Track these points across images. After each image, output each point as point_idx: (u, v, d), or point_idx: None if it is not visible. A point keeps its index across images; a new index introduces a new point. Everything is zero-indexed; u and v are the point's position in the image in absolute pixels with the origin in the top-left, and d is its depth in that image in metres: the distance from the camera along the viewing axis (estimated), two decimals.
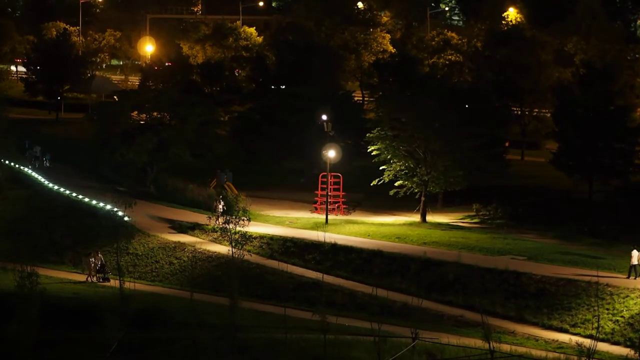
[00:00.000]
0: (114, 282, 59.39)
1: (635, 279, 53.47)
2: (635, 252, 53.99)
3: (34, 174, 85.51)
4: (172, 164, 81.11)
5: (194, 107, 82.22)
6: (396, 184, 70.34)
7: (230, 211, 52.27)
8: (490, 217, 70.42)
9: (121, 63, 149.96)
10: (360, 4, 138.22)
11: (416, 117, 70.11)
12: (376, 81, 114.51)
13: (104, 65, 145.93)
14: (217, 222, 63.15)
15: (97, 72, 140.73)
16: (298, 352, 42.74)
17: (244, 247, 51.89)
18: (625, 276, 53.50)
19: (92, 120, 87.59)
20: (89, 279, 62.32)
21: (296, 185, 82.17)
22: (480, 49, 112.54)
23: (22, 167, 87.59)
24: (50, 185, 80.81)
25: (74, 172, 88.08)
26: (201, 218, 67.11)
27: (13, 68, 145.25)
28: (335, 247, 61.67)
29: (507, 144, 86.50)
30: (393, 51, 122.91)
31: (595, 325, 48.02)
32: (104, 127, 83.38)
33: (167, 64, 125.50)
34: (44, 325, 41.82)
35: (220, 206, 67.38)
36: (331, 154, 70.82)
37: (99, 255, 63.01)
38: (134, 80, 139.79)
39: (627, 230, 63.41)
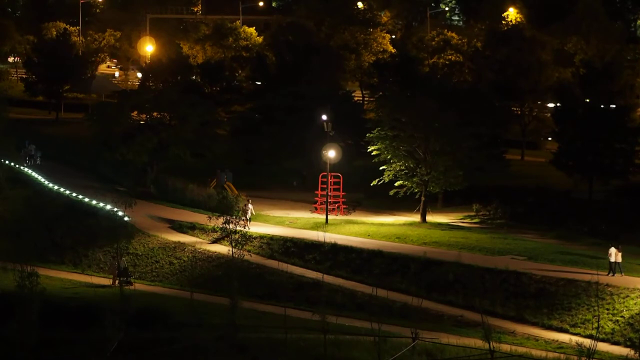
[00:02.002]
0: (136, 286, 59.15)
1: (613, 275, 53.75)
2: (612, 249, 54.36)
3: (33, 173, 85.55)
4: (172, 164, 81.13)
5: (194, 107, 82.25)
6: (396, 184, 70.33)
7: (231, 211, 52.18)
8: (490, 217, 70.41)
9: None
10: (360, 4, 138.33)
11: (416, 117, 70.09)
12: (376, 81, 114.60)
13: (104, 65, 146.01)
14: (247, 226, 63.71)
15: (102, 71, 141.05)
16: (298, 352, 42.71)
17: (244, 247, 51.89)
18: (605, 273, 53.69)
19: (92, 120, 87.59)
20: (116, 282, 60.84)
21: (308, 183, 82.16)
22: (480, 49, 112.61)
23: (17, 166, 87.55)
24: (50, 185, 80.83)
25: (73, 172, 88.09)
26: (201, 218, 67.08)
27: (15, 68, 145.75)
28: (335, 247, 61.66)
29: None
30: (393, 51, 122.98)
31: (595, 325, 48.03)
32: (104, 127, 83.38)
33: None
34: (44, 325, 41.79)
35: (250, 210, 66.99)
36: (331, 154, 70.81)
37: (122, 259, 62.70)
38: (134, 80, 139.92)
39: (627, 230, 63.42)
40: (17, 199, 78.78)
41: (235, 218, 49.77)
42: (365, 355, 41.74)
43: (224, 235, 64.07)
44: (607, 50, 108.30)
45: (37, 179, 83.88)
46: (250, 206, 67.21)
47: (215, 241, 65.46)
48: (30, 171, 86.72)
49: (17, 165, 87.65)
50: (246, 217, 64.75)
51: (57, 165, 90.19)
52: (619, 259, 54.23)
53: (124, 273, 61.35)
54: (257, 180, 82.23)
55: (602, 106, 75.06)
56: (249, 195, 71.54)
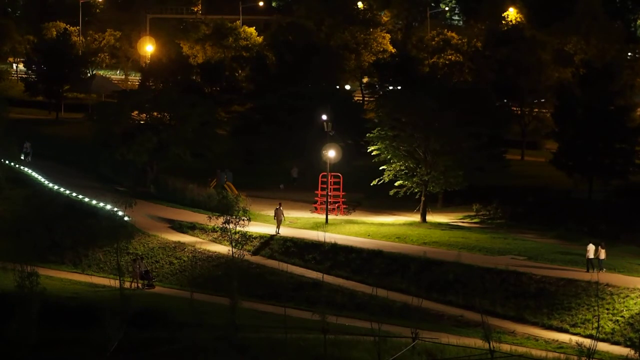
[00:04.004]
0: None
1: (592, 272, 54.04)
2: (591, 246, 54.68)
3: (33, 173, 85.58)
4: (172, 164, 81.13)
5: (194, 107, 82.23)
6: (396, 184, 70.32)
7: (231, 211, 52.11)
8: (490, 217, 70.42)
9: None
10: (360, 4, 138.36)
11: (416, 117, 70.10)
12: (376, 81, 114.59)
13: (104, 65, 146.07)
14: (278, 231, 63.56)
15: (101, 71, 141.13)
16: (298, 352, 42.73)
17: (244, 247, 51.89)
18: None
19: (92, 120, 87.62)
20: (133, 284, 60.34)
21: (298, 185, 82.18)
22: (480, 49, 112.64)
23: (16, 165, 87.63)
24: (50, 185, 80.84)
25: (73, 172, 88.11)
26: (201, 218, 67.06)
27: (14, 66, 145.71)
28: (335, 247, 61.66)
29: None
30: (393, 51, 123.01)
31: (595, 325, 48.02)
32: (104, 127, 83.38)
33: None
34: (44, 325, 41.84)
35: (282, 215, 66.66)
36: (331, 154, 70.81)
37: (143, 261, 62.40)
38: (134, 80, 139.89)
39: (627, 230, 63.46)
40: (17, 199, 78.81)
41: (235, 218, 49.68)
42: (365, 355, 41.75)
43: (263, 245, 63.70)
44: (607, 50, 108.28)
45: (37, 179, 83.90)
46: (281, 209, 66.59)
47: (255, 252, 63.64)
48: (30, 171, 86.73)
49: (16, 165, 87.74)
50: (279, 222, 64.73)
51: (57, 165, 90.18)
52: (602, 256, 54.51)
53: (146, 276, 61.08)
54: (257, 180, 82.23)
55: (601, 106, 74.90)
56: (249, 195, 71.41)
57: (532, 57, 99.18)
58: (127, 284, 58.96)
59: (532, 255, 58.86)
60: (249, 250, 61.88)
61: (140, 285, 60.63)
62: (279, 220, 65.73)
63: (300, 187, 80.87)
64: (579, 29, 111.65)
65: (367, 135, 71.65)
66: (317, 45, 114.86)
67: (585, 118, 74.28)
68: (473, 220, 70.64)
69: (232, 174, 78.80)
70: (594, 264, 54.49)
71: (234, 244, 50.07)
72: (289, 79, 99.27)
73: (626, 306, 49.98)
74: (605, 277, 53.04)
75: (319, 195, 72.84)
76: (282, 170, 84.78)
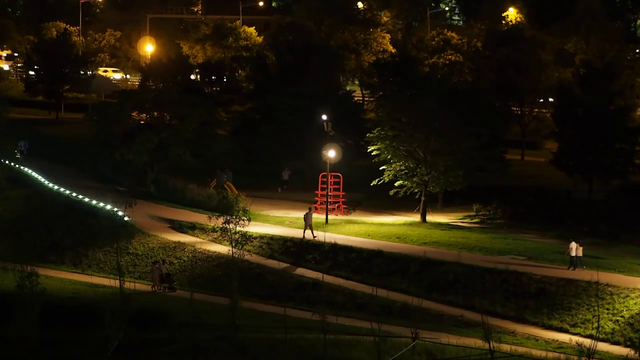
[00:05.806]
0: (179, 292, 58.73)
1: (574, 269, 54.63)
2: (573, 244, 55.17)
3: (33, 173, 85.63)
4: (172, 164, 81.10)
5: (194, 107, 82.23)
6: (396, 184, 70.32)
7: (231, 211, 52.15)
8: (490, 217, 70.41)
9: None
10: (360, 4, 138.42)
11: (416, 117, 70.11)
12: (376, 81, 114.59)
13: (104, 65, 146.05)
14: (306, 235, 63.14)
15: (102, 70, 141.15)
16: (298, 352, 42.72)
17: (244, 247, 51.86)
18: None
19: (92, 120, 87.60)
20: (154, 288, 60.02)
21: (289, 188, 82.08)
22: (480, 49, 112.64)
23: (16, 166, 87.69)
24: (50, 185, 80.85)
25: (73, 172, 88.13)
26: (201, 218, 67.05)
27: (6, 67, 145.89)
28: (335, 247, 61.66)
29: None
30: (393, 51, 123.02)
31: (595, 325, 48.03)
32: (104, 127, 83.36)
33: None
34: (44, 325, 41.82)
35: (311, 218, 66.18)
36: (331, 154, 70.80)
37: (164, 265, 62.05)
38: (134, 80, 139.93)
39: (627, 230, 63.46)
40: (17, 199, 78.79)
41: (235, 218, 49.68)
42: (365, 355, 41.75)
43: (300, 252, 63.19)
44: (607, 50, 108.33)
45: (37, 179, 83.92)
46: (311, 213, 66.14)
47: (296, 262, 62.51)
48: (30, 171, 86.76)
49: (16, 165, 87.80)
50: (308, 226, 64.30)
51: (57, 165, 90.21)
52: (580, 253, 55.09)
53: (167, 279, 60.73)
54: (257, 180, 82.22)
55: (601, 106, 74.90)
56: (249, 195, 71.34)
57: (532, 57, 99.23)
58: (144, 287, 58.90)
59: (532, 255, 58.88)
60: (282, 260, 61.96)
61: (161, 288, 60.13)
62: (307, 224, 64.98)
63: (291, 190, 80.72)
64: (579, 29, 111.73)
65: (367, 135, 71.65)
66: (317, 45, 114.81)
67: (585, 118, 74.28)
68: (473, 220, 70.63)
69: (232, 174, 78.80)
70: (575, 262, 55.05)
71: (234, 244, 50.07)
72: (289, 79, 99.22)
73: (626, 306, 50.00)
74: (605, 277, 53.05)
75: (319, 195, 72.83)
76: (282, 170, 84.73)
